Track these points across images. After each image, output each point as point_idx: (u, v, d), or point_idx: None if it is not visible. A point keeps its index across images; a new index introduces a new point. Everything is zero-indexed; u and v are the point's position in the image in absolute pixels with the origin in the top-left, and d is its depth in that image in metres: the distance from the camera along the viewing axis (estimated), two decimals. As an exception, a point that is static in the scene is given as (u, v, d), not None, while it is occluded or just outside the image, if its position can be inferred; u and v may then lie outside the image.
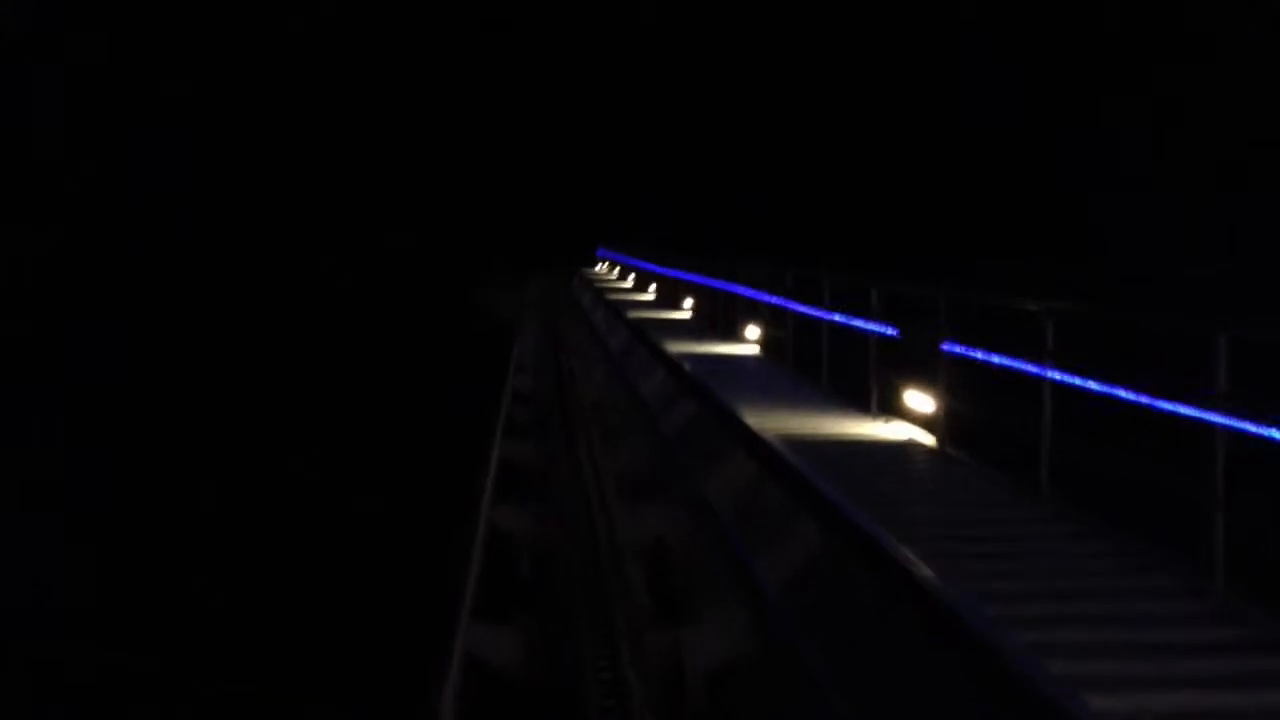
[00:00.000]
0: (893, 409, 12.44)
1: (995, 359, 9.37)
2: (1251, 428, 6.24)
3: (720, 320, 22.73)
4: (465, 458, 11.78)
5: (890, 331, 12.01)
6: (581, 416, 14.44)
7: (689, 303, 27.82)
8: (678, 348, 17.99)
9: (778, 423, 12.15)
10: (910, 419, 11.83)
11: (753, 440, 10.61)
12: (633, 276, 43.54)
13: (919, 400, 11.41)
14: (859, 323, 12.93)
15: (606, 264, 55.27)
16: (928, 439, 11.16)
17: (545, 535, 9.52)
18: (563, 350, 21.88)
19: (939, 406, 10.82)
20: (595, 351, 22.25)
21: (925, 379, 11.34)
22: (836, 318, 13.94)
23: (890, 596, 6.68)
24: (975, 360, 9.93)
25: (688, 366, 15.32)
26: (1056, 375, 8.43)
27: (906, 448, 11.08)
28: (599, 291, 36.37)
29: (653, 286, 36.14)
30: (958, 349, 10.29)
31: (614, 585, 7.84)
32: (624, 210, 65.49)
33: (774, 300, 17.33)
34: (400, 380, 20.17)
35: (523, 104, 74.29)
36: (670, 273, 31.31)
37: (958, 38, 50.05)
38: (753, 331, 19.72)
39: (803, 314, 15.77)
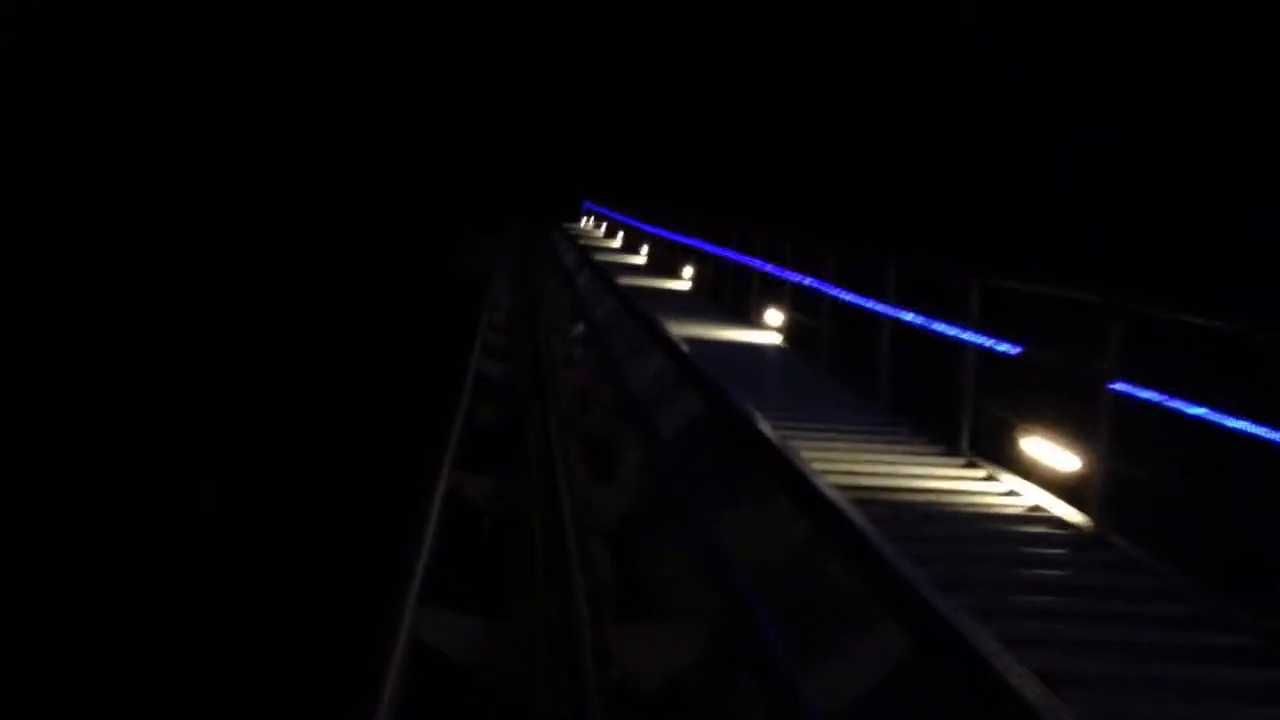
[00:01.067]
0: (993, 454, 8.97)
1: (1230, 423, 5.84)
2: None
3: (729, 298, 19.18)
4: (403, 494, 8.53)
5: (1011, 349, 8.47)
6: (559, 421, 10.93)
7: (689, 271, 24.28)
8: (680, 330, 14.37)
9: (830, 460, 8.68)
10: (1029, 475, 8.34)
11: (805, 490, 7.08)
12: (621, 235, 39.97)
13: (1048, 453, 7.91)
14: (950, 329, 9.38)
15: (593, 219, 51.67)
16: (1069, 512, 7.65)
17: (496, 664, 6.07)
18: (539, 317, 18.37)
19: (1092, 470, 7.32)
20: (577, 324, 18.73)
21: (1056, 422, 7.89)
22: (910, 317, 10.40)
23: None
24: (1173, 414, 6.43)
25: (690, 352, 11.68)
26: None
27: (1044, 528, 7.55)
28: (583, 251, 32.73)
29: (645, 248, 32.57)
30: (1141, 393, 6.78)
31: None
32: (613, 166, 62.11)
33: (812, 283, 13.76)
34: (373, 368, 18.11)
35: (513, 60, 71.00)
36: (666, 234, 27.73)
37: (958, 38, 49.17)
38: (774, 316, 16.19)
39: (852, 305, 12.22)
